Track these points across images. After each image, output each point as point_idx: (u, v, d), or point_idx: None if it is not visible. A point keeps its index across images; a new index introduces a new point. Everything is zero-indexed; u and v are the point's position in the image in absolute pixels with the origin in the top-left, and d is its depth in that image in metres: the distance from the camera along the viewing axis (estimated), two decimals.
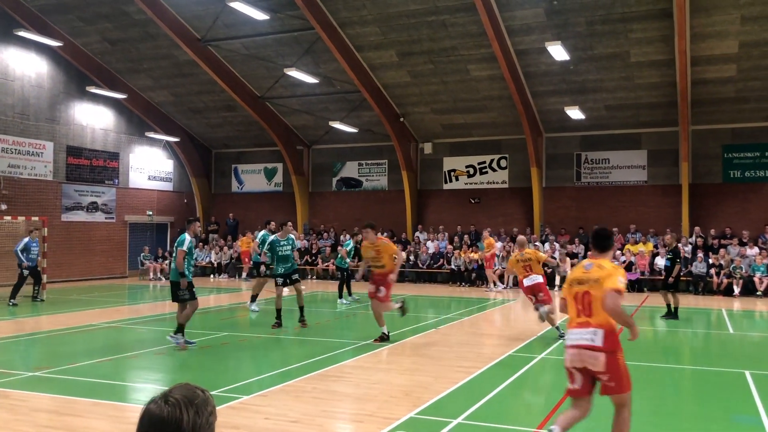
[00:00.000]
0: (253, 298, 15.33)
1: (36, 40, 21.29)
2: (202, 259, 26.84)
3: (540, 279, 11.73)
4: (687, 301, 18.16)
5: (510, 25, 19.59)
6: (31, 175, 23.03)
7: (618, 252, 22.35)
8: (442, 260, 24.60)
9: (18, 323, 13.96)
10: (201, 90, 25.98)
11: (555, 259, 12.08)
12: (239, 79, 24.77)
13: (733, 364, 9.90)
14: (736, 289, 20.15)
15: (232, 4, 17.31)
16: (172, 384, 2.03)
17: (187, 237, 10.63)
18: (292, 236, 13.26)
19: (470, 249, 24.09)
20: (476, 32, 19.88)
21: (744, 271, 20.47)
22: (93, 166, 25.46)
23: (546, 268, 22.42)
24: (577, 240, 23.76)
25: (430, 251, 25.06)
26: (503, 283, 22.56)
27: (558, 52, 18.35)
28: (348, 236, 21.84)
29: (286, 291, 13.74)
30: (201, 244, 27.16)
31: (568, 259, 22.51)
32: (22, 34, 20.63)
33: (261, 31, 21.57)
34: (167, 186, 29.16)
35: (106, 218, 26.00)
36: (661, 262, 21.56)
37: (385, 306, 11.27)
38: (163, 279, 25.32)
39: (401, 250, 15.44)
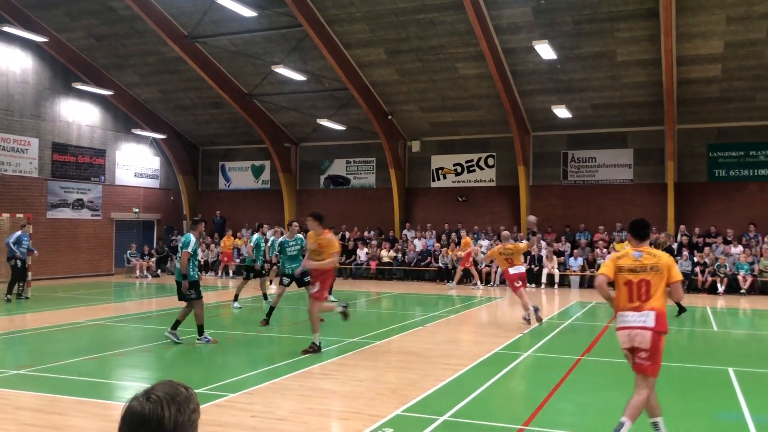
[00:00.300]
0: (236, 297, 15.79)
1: (21, 35, 21.06)
2: None
3: (523, 269, 13.54)
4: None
5: (498, 23, 19.63)
6: (15, 172, 22.84)
7: (604, 250, 22.50)
8: (429, 258, 24.65)
9: (2, 321, 13.84)
10: (188, 87, 25.85)
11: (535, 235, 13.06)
12: (227, 76, 24.66)
13: (717, 362, 10.00)
14: (721, 287, 20.33)
15: (220, 1, 17.22)
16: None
17: (192, 238, 10.75)
18: (301, 236, 13.37)
19: (457, 247, 24.13)
20: (464, 30, 19.91)
21: (728, 269, 20.65)
22: (79, 163, 25.28)
23: (534, 266, 22.63)
24: (563, 238, 23.88)
25: (418, 249, 25.10)
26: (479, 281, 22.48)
27: (545, 51, 18.42)
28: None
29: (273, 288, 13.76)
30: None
31: (555, 257, 22.62)
32: (6, 29, 20.42)
33: (248, 28, 21.49)
34: (154, 183, 29.00)
35: (92, 215, 25.83)
36: None
37: (319, 305, 10.34)
38: (150, 276, 25.22)
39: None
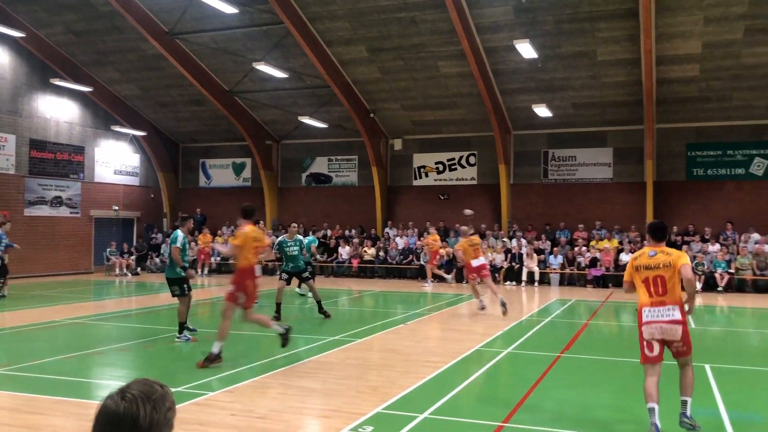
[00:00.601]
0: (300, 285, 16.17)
1: None
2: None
3: (485, 260, 15.12)
4: None
5: (479, 22, 19.70)
6: None
7: (584, 248, 22.68)
8: (411, 256, 24.70)
9: None
10: (169, 84, 25.66)
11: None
12: (207, 73, 24.51)
13: (694, 358, 10.08)
14: (698, 285, 20.57)
15: None
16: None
17: (180, 234, 10.96)
18: (300, 237, 14.14)
19: (439, 245, 24.19)
20: (446, 29, 19.96)
21: (706, 267, 20.90)
22: (57, 159, 25.00)
23: (514, 264, 22.74)
24: (543, 236, 24.03)
25: (400, 247, 25.13)
26: (431, 280, 22.44)
27: (526, 50, 18.50)
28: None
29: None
30: (167, 239, 26.87)
31: (535, 255, 22.75)
32: None
33: (230, 25, 21.38)
34: (134, 180, 28.76)
35: (70, 213, 25.56)
36: (625, 258, 21.91)
37: (253, 318, 9.34)
38: (129, 275, 25.01)
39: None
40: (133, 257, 26.41)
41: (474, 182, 26.05)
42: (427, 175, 26.77)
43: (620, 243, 22.68)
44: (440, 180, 26.56)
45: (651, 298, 6.02)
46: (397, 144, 26.81)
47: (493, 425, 6.25)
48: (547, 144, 25.07)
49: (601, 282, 21.79)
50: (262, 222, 14.74)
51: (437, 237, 22.68)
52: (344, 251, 25.60)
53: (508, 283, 22.63)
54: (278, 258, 15.36)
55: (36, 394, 7.38)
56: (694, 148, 23.29)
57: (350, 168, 27.88)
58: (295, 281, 14.52)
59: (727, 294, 19.97)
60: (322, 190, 28.34)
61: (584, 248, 22.68)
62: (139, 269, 26.27)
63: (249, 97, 25.72)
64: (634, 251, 22.00)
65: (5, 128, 23.00)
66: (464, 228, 15.54)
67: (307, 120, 25.08)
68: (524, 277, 22.52)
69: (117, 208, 27.58)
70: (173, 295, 10.97)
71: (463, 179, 26.24)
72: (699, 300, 18.70)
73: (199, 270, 25.12)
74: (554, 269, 22.75)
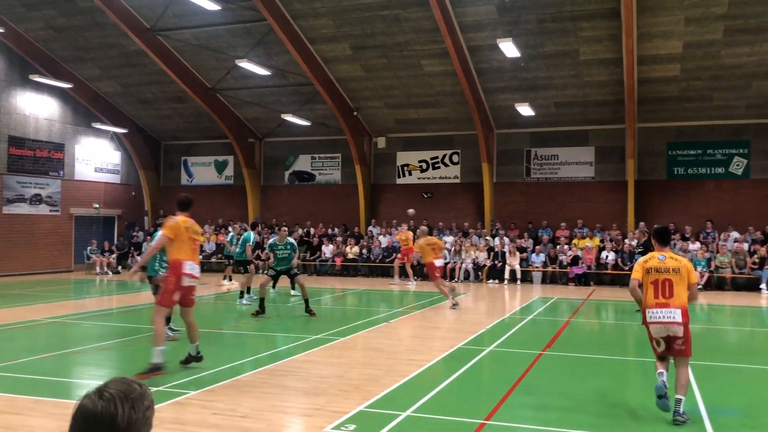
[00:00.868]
0: (242, 294, 16.10)
1: None
2: None
3: (443, 261, 16.45)
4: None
5: (462, 21, 19.74)
6: None
7: (566, 247, 22.81)
8: (395, 254, 24.68)
9: None
10: (150, 81, 25.44)
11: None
12: (189, 70, 24.34)
13: None
14: None
15: None
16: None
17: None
18: (291, 240, 14.34)
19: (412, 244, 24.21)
20: (429, 28, 19.97)
21: None
22: (37, 157, 24.71)
23: (497, 262, 22.83)
24: (526, 234, 24.15)
25: (383, 245, 25.12)
26: (415, 278, 22.46)
27: (509, 49, 18.57)
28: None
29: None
30: (148, 237, 26.67)
31: (517, 253, 22.85)
32: None
33: (212, 22, 21.24)
34: (115, 178, 28.51)
35: (50, 211, 25.28)
36: (609, 256, 22.09)
37: (189, 320, 8.51)
38: (110, 273, 24.79)
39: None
40: (114, 256, 26.18)
41: (457, 181, 26.12)
42: (410, 174, 26.79)
43: (602, 241, 22.85)
44: (424, 178, 26.59)
45: (657, 299, 6.52)
46: (381, 142, 26.80)
47: (475, 423, 6.27)
48: (529, 143, 25.19)
49: (582, 280, 21.94)
50: (285, 227, 15.09)
51: (410, 234, 22.34)
52: (327, 250, 25.55)
53: (491, 281, 22.72)
54: (267, 258, 15.70)
55: (14, 394, 7.28)
56: (675, 147, 23.52)
57: (333, 166, 27.83)
58: (286, 281, 14.72)
59: (707, 292, 20.17)
60: (305, 188, 28.26)
61: (566, 246, 22.82)
62: (120, 268, 26.03)
63: (231, 95, 25.58)
64: (616, 250, 22.25)
65: None
66: (423, 228, 15.96)
67: (290, 118, 24.99)
68: (507, 275, 22.62)
69: (98, 206, 27.32)
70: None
71: (446, 178, 26.29)
72: None
73: None
74: (536, 267, 22.87)
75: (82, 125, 26.64)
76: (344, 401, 6.97)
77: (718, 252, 21.20)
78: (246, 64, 21.04)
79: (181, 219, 8.52)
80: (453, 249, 23.53)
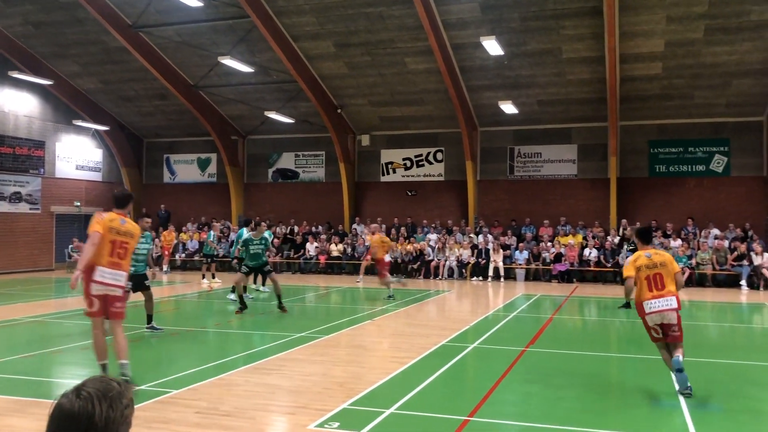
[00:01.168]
0: (245, 289, 15.99)
1: None
2: None
3: (390, 257, 17.91)
4: (614, 291, 18.79)
5: (446, 19, 19.75)
6: None
7: (549, 244, 22.92)
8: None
9: None
10: (132, 77, 25.21)
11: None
12: (172, 67, 24.16)
13: (656, 352, 10.27)
14: None
15: None
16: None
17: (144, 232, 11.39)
18: (265, 234, 14.38)
19: (407, 241, 24.27)
20: (413, 25, 19.97)
21: None
22: (16, 154, 24.41)
23: (480, 259, 22.89)
24: (509, 232, 24.24)
25: (367, 243, 25.07)
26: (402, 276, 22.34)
27: (492, 47, 18.61)
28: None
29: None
30: None
31: (501, 250, 22.93)
32: None
33: (195, 18, 21.08)
34: (96, 176, 28.24)
35: (30, 209, 25.00)
36: (592, 253, 22.23)
37: (118, 336, 7.36)
38: None
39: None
40: None
41: (441, 178, 26.16)
42: (394, 171, 26.79)
43: (584, 238, 22.99)
44: (408, 176, 26.61)
45: (651, 292, 7.31)
46: (365, 140, 26.78)
47: (459, 419, 6.28)
48: (512, 140, 25.28)
49: (565, 277, 22.06)
50: (264, 223, 14.84)
51: (385, 237, 21.84)
52: (311, 247, 25.49)
53: (474, 278, 22.78)
54: (240, 256, 15.70)
55: None
56: (657, 145, 23.71)
57: (317, 164, 27.76)
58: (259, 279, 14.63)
59: (688, 288, 20.34)
60: (289, 186, 28.17)
61: (549, 244, 22.94)
62: None
63: (214, 92, 25.42)
64: (598, 247, 22.38)
65: None
66: (374, 225, 16.46)
67: (273, 115, 24.88)
68: (490, 272, 22.69)
69: (79, 203, 27.05)
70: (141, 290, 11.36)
71: (430, 175, 26.32)
72: None
73: (164, 267, 24.77)
74: (520, 264, 22.96)
75: (63, 122, 26.36)
76: (328, 399, 6.95)
77: (699, 249, 21.41)
78: (229, 61, 20.91)
79: (107, 216, 7.31)
80: (437, 247, 23.57)
